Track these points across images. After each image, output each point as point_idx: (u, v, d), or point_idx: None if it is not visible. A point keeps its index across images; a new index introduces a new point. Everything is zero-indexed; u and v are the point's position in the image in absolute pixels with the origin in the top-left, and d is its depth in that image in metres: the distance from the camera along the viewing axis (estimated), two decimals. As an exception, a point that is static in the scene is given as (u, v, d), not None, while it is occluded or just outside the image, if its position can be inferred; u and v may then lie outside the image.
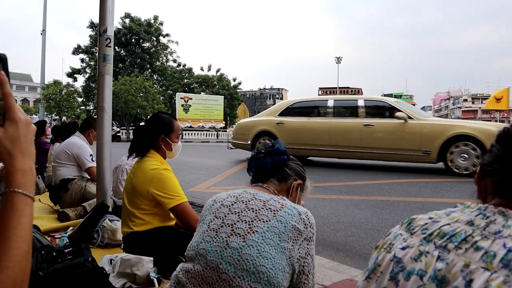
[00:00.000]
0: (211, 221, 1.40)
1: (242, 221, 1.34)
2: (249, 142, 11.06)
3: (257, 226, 1.32)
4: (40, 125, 6.97)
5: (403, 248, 0.87)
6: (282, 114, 10.93)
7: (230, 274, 1.26)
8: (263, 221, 1.33)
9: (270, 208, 1.37)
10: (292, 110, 11.03)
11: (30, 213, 0.78)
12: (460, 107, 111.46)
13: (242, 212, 1.37)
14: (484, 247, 0.76)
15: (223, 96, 46.74)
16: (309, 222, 1.39)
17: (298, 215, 1.37)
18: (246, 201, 1.41)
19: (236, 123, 13.10)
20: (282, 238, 1.31)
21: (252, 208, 1.37)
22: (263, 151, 1.66)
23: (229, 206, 1.41)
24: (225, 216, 1.38)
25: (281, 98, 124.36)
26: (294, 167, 1.68)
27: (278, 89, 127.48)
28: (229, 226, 1.35)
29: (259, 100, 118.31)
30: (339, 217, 5.11)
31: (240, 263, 1.26)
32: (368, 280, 0.92)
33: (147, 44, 51.24)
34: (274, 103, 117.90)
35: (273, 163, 1.61)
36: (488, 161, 0.91)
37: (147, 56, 50.92)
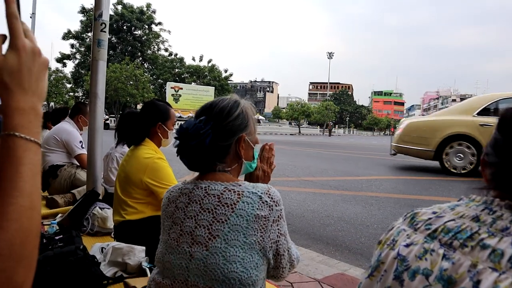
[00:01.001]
0: (170, 228, 1.30)
1: (200, 227, 1.23)
2: (432, 148, 8.68)
3: (217, 229, 1.21)
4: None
5: (407, 246, 0.84)
6: (483, 113, 8.35)
7: (200, 286, 1.19)
8: (222, 222, 1.21)
9: (226, 203, 1.23)
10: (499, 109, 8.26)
11: (32, 161, 0.64)
12: (448, 107, 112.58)
13: (198, 215, 1.25)
14: (491, 245, 0.72)
15: (213, 87, 46.62)
16: (273, 201, 1.24)
17: (258, 200, 1.23)
18: (199, 201, 1.26)
19: (403, 123, 9.94)
20: (248, 234, 1.20)
21: (208, 209, 1.24)
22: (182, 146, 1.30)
23: (184, 209, 1.29)
24: (182, 222, 1.27)
25: (272, 91, 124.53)
26: (226, 130, 1.32)
27: (269, 82, 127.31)
28: (188, 234, 1.24)
29: (249, 93, 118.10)
30: (329, 211, 5.13)
31: (208, 274, 1.18)
32: (371, 278, 0.89)
33: (138, 32, 50.82)
34: (265, 96, 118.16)
35: (202, 156, 1.29)
36: (488, 151, 0.86)
37: (139, 44, 50.50)
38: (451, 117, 8.80)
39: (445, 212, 0.85)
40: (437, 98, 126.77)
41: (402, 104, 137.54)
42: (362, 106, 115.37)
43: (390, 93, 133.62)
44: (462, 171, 8.41)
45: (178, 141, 1.31)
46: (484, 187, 0.85)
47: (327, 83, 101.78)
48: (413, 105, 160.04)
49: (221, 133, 1.30)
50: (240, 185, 1.27)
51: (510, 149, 0.78)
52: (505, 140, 0.80)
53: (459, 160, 8.51)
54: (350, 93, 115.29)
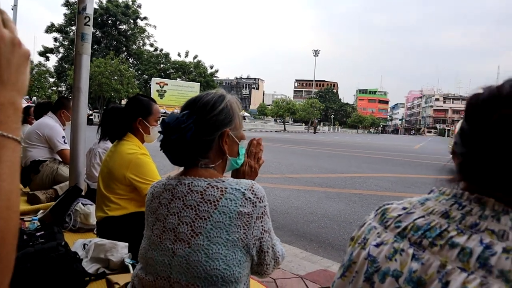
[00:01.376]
0: (154, 225, 1.29)
1: (183, 224, 1.22)
2: None
3: (199, 226, 1.19)
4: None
5: (377, 245, 0.82)
6: None
7: (182, 283, 1.19)
8: (205, 219, 1.19)
9: (209, 200, 1.21)
10: None
11: (10, 159, 0.60)
12: (431, 106, 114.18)
13: (181, 212, 1.23)
14: (459, 243, 0.70)
15: (199, 84, 46.47)
16: (257, 198, 1.23)
17: (242, 196, 1.21)
18: (182, 197, 1.25)
19: None
20: (231, 231, 1.18)
21: (191, 205, 1.23)
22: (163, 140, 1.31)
23: (167, 205, 1.28)
24: (165, 218, 1.26)
25: (257, 88, 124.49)
26: (209, 124, 1.31)
27: (255, 79, 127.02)
28: (171, 231, 1.23)
29: (235, 89, 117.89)
30: (313, 208, 5.17)
31: (190, 271, 1.17)
32: (343, 278, 0.87)
33: (124, 27, 50.22)
34: (250, 93, 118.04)
35: (183, 150, 1.29)
36: (456, 140, 0.82)
37: (124, 39, 49.93)
38: None
39: (415, 208, 0.83)
40: (421, 97, 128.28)
41: (387, 102, 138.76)
42: (347, 104, 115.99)
43: (375, 92, 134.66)
44: None
45: (162, 136, 1.30)
46: (453, 178, 0.82)
47: (312, 80, 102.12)
48: (397, 104, 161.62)
49: (203, 128, 1.29)
50: (223, 182, 1.25)
51: (476, 138, 0.75)
52: (471, 129, 0.77)
53: None
54: (335, 91, 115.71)
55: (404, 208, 0.85)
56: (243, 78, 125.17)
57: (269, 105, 79.82)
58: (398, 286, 0.74)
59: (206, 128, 1.30)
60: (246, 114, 63.53)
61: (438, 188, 0.85)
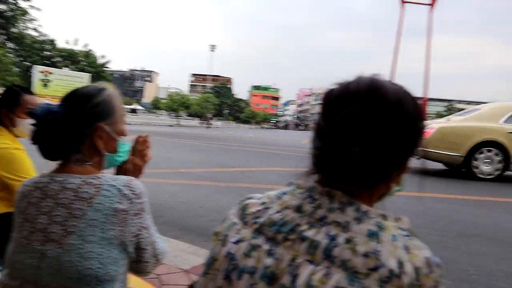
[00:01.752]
0: (22, 226, 1.20)
1: (54, 223, 1.15)
2: (462, 154, 8.51)
3: (72, 225, 1.14)
4: None
5: (236, 242, 0.82)
6: (510, 120, 8.59)
7: (52, 286, 1.14)
8: (78, 217, 1.15)
9: (83, 197, 1.17)
10: None
11: None
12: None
13: (52, 211, 1.17)
14: (309, 236, 0.73)
15: (89, 74, 43.92)
16: (134, 194, 1.21)
17: (118, 193, 1.19)
18: (54, 195, 1.19)
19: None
20: (106, 228, 1.15)
21: (63, 203, 1.17)
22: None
23: (36, 204, 1.19)
24: (35, 218, 1.18)
25: (151, 81, 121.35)
26: (82, 117, 1.25)
27: (149, 71, 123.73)
28: (40, 231, 1.16)
29: (128, 81, 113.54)
30: (202, 202, 5.22)
31: (62, 273, 1.13)
32: (206, 276, 0.87)
33: (3, 7, 45.48)
34: (144, 85, 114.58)
35: (52, 143, 1.23)
36: (313, 135, 0.84)
37: (2, 21, 45.24)
38: (482, 123, 8.75)
39: (273, 202, 0.84)
40: (311, 95, 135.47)
41: (278, 99, 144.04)
42: (241, 99, 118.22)
43: (268, 88, 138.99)
44: (488, 177, 8.50)
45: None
46: (309, 171, 0.85)
47: (208, 75, 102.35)
48: (289, 101, 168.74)
49: (75, 120, 1.24)
50: (99, 178, 1.22)
51: (326, 132, 0.78)
52: (324, 124, 0.80)
53: (487, 166, 8.55)
54: (229, 86, 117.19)
55: (262, 203, 0.86)
56: (137, 70, 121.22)
57: (163, 99, 78.22)
58: (253, 283, 0.75)
59: (78, 120, 1.24)
60: (138, 107, 61.53)
61: (295, 181, 0.87)
